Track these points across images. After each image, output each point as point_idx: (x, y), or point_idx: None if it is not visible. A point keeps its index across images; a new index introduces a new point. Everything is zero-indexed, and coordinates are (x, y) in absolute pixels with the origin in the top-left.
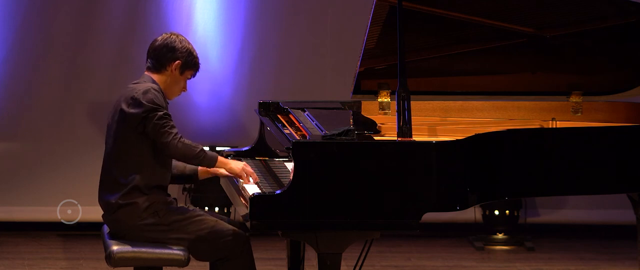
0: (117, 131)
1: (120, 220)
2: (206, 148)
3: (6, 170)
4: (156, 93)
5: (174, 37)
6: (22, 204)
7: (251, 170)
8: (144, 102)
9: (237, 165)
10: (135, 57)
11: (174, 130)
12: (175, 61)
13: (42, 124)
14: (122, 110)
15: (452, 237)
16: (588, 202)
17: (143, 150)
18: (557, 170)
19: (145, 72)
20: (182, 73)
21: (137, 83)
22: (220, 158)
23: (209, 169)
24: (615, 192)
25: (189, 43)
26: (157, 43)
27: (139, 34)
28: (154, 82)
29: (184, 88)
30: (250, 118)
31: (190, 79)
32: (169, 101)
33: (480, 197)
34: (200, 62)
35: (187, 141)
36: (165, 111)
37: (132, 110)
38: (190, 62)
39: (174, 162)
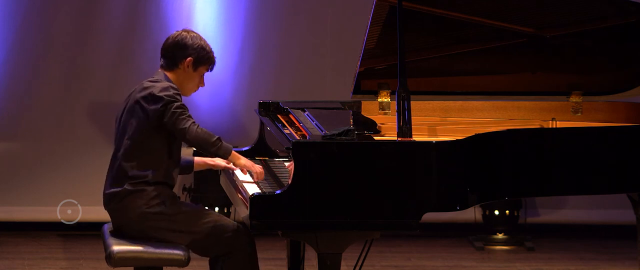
0: (134, 127)
1: (127, 208)
2: None
3: (6, 170)
4: (174, 90)
5: (185, 34)
6: (22, 204)
7: (260, 169)
8: (164, 96)
9: (247, 161)
10: (135, 57)
11: (192, 119)
12: (186, 58)
13: (42, 124)
14: (140, 106)
15: (452, 237)
16: (588, 202)
17: (156, 146)
18: (557, 170)
19: (160, 69)
20: (195, 69)
21: (154, 81)
22: (233, 152)
23: (207, 161)
24: (615, 192)
25: (201, 39)
26: (168, 41)
27: (139, 34)
28: (168, 80)
29: (201, 83)
30: (250, 118)
31: (206, 72)
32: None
33: (480, 197)
34: (214, 55)
35: (203, 129)
36: (182, 103)
37: (151, 106)
38: (203, 58)
39: None
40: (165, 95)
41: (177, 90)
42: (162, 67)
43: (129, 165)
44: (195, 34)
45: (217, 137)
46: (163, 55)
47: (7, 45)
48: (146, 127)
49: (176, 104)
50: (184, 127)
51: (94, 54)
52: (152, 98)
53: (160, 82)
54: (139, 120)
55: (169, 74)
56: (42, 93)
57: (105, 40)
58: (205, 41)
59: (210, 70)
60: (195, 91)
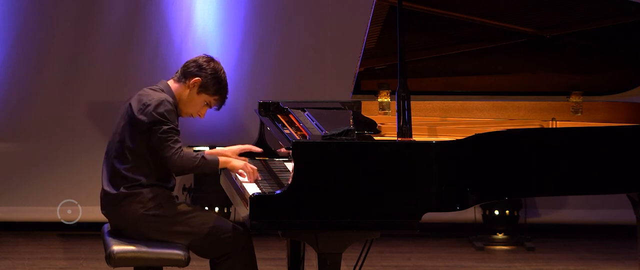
0: (125, 131)
1: (124, 212)
2: (206, 148)
3: (6, 170)
4: (169, 106)
5: (209, 58)
6: (22, 204)
7: (253, 168)
8: (153, 113)
9: (239, 162)
10: (135, 57)
11: (176, 145)
12: (195, 77)
13: (42, 124)
14: (132, 113)
15: (452, 237)
16: (588, 202)
17: (147, 151)
18: (557, 170)
19: (168, 81)
20: (198, 93)
21: (154, 90)
22: (221, 159)
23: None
24: (615, 192)
25: (222, 73)
26: (193, 58)
27: (139, 34)
28: (170, 91)
29: (201, 113)
30: (250, 118)
31: (211, 107)
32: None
33: (480, 197)
34: (225, 94)
35: (186, 154)
36: (171, 126)
37: (141, 117)
38: (210, 86)
39: None
40: (156, 112)
41: (172, 106)
42: (173, 77)
43: (123, 168)
44: (219, 67)
45: (199, 158)
46: (181, 67)
47: (7, 45)
48: (136, 134)
49: (164, 127)
50: (165, 155)
51: (94, 54)
52: (144, 108)
53: (158, 92)
54: (129, 126)
55: (174, 85)
56: (42, 93)
57: (105, 40)
58: (224, 78)
59: (216, 108)
60: (192, 116)
